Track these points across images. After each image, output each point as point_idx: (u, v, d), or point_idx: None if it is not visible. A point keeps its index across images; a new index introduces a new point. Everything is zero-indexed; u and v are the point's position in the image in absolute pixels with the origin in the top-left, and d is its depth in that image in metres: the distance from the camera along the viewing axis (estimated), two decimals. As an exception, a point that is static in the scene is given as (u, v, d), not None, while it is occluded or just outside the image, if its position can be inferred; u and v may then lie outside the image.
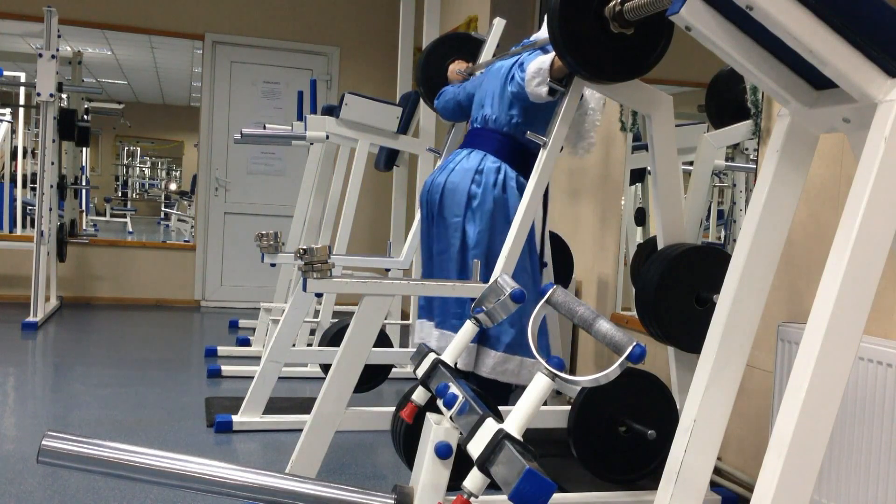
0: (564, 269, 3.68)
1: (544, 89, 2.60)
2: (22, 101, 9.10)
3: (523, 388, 1.35)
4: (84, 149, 9.04)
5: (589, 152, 3.09)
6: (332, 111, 4.52)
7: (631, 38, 2.30)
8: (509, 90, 2.83)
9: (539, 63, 2.62)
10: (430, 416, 1.59)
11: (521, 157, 2.87)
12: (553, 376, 1.31)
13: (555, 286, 1.54)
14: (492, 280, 1.80)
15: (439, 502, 1.53)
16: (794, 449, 1.23)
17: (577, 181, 4.11)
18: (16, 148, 8.91)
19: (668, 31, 2.34)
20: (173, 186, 17.57)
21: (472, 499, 1.29)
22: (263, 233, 3.43)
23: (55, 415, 3.48)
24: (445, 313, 2.89)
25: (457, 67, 3.44)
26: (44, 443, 1.33)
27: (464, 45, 3.60)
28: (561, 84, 2.64)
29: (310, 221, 4.76)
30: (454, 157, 2.96)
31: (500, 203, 2.81)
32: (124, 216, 14.72)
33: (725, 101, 3.02)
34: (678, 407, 2.56)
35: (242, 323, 5.87)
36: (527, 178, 2.88)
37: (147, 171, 18.09)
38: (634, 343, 1.25)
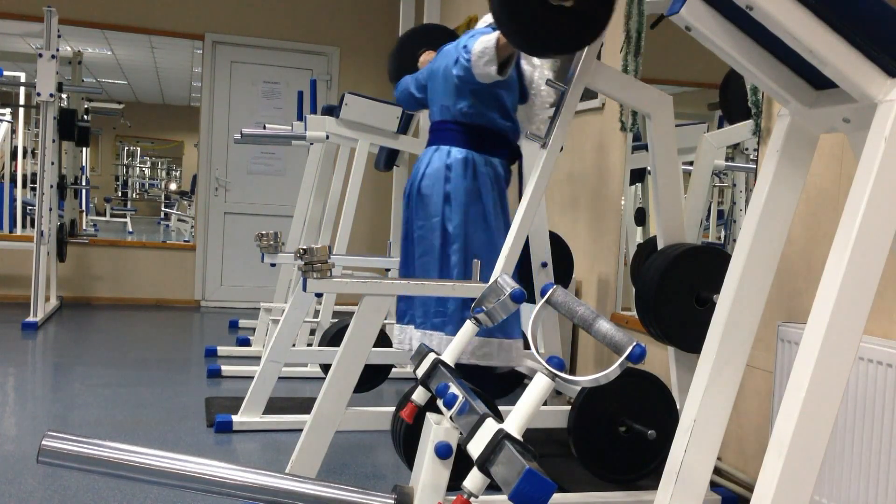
0: (564, 269, 3.68)
1: (493, 69, 2.60)
2: (22, 101, 9.10)
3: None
4: (84, 149, 9.04)
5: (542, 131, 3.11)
6: (332, 111, 4.52)
7: (571, 10, 2.27)
8: (454, 74, 2.81)
9: (484, 42, 2.61)
10: (430, 416, 1.59)
11: (487, 140, 2.88)
12: (553, 376, 1.31)
13: (555, 286, 1.54)
14: (491, 280, 1.80)
15: (439, 502, 1.53)
16: (794, 449, 1.22)
17: (577, 181, 4.11)
18: (16, 148, 8.91)
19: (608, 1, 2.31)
20: (173, 186, 17.57)
21: (472, 499, 1.29)
22: (263, 233, 3.43)
23: (55, 415, 3.48)
24: (426, 314, 2.87)
25: (428, 58, 3.35)
26: (44, 443, 1.33)
27: (437, 36, 3.47)
28: (508, 62, 2.65)
29: (310, 221, 4.76)
30: (424, 156, 2.97)
31: (473, 193, 2.83)
32: (124, 216, 14.72)
33: (739, 96, 2.99)
34: (678, 407, 2.56)
35: (242, 323, 5.87)
36: (497, 156, 2.90)
37: (147, 171, 18.09)
38: (634, 343, 1.25)
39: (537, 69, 2.94)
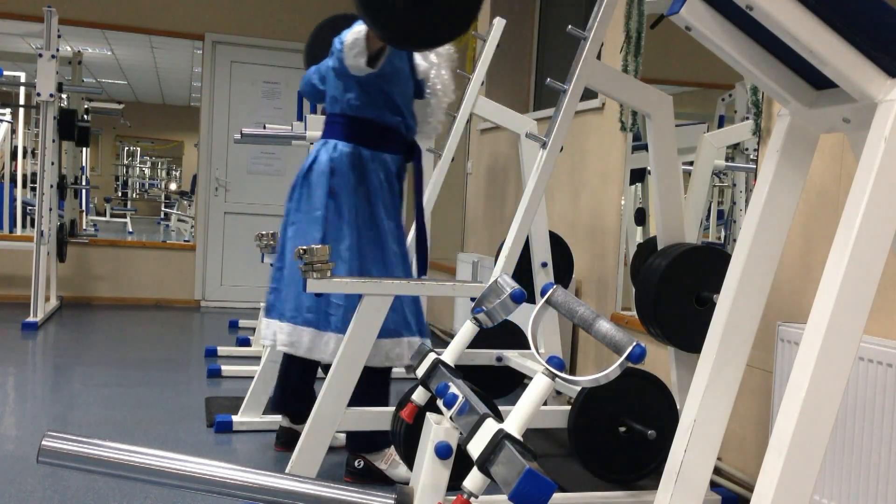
0: (564, 269, 3.68)
1: (362, 60, 2.52)
2: (22, 101, 9.09)
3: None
4: (84, 149, 9.03)
5: (432, 136, 3.00)
6: (332, 111, 4.51)
7: (435, 1, 2.22)
8: (329, 65, 2.71)
9: (355, 33, 2.52)
10: (430, 416, 1.59)
11: (375, 135, 2.77)
12: (553, 376, 1.31)
13: (555, 286, 1.54)
14: (491, 280, 1.80)
15: (439, 502, 1.53)
16: (794, 449, 1.23)
17: (578, 181, 4.11)
18: (16, 148, 8.90)
19: None
20: (173, 186, 17.57)
21: (472, 499, 1.29)
22: (263, 233, 3.44)
23: (55, 415, 3.48)
24: (299, 308, 2.75)
25: None
26: (44, 443, 1.33)
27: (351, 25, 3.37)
28: (380, 53, 2.55)
29: (310, 221, 4.75)
30: (315, 148, 2.85)
31: (362, 193, 2.72)
32: (124, 216, 14.72)
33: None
34: (678, 407, 2.56)
35: (242, 323, 5.87)
36: (388, 152, 2.79)
37: (147, 171, 18.09)
38: (634, 343, 1.25)
39: (434, 66, 2.83)
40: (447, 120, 3.83)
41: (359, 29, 2.53)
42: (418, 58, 2.82)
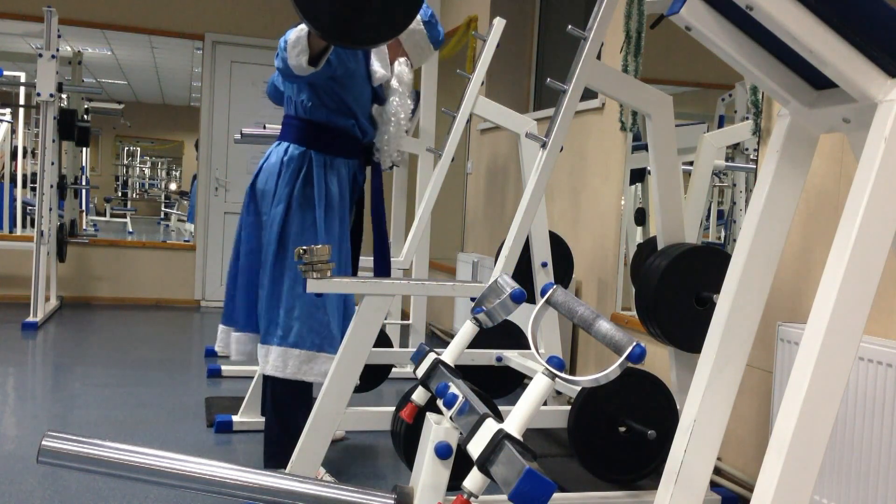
0: (564, 269, 3.69)
1: (304, 59, 2.47)
2: (22, 101, 9.09)
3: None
4: (84, 149, 9.03)
5: (388, 161, 2.92)
6: (332, 111, 4.50)
7: None
8: (276, 66, 2.65)
9: (297, 31, 2.50)
10: (430, 416, 1.59)
11: (327, 138, 2.74)
12: (553, 376, 1.31)
13: (555, 286, 1.54)
14: (491, 280, 1.80)
15: (439, 502, 1.53)
16: (794, 449, 1.22)
17: (578, 181, 4.11)
18: (16, 148, 8.90)
19: None
20: (173, 186, 17.57)
21: (472, 499, 1.29)
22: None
23: (55, 415, 3.48)
24: (249, 317, 2.73)
25: None
26: (44, 443, 1.33)
27: None
28: (323, 52, 2.49)
29: (310, 221, 4.75)
30: (268, 151, 2.83)
31: (307, 197, 2.69)
32: (124, 216, 14.72)
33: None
34: (678, 407, 2.56)
35: (242, 323, 5.86)
36: (341, 156, 2.76)
37: (147, 171, 18.10)
38: (634, 343, 1.25)
39: (402, 84, 2.81)
40: (449, 120, 3.84)
41: (302, 27, 2.49)
42: (375, 64, 2.78)
